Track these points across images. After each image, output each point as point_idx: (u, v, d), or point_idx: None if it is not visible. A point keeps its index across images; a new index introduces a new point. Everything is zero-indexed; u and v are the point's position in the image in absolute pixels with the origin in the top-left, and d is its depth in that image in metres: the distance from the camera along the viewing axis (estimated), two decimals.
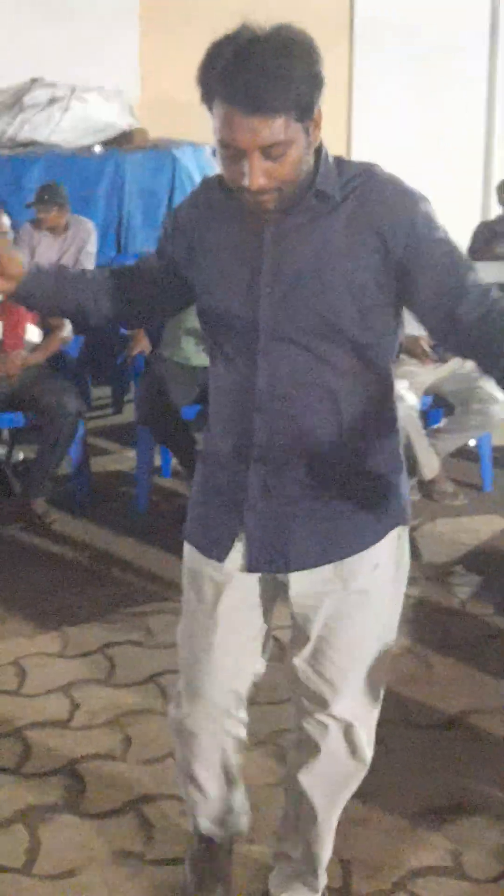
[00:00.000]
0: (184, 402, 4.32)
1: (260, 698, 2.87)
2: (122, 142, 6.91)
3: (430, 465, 4.42)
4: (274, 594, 1.97)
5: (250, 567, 1.89)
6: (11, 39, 6.89)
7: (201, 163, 6.72)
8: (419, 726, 2.87)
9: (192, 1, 7.42)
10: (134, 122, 7.08)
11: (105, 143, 6.88)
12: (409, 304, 1.78)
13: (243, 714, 2.12)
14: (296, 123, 1.63)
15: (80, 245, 5.85)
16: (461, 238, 7.43)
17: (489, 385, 4.42)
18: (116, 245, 6.48)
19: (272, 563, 1.88)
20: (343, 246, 1.73)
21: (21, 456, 4.90)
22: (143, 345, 4.53)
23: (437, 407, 4.72)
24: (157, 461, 4.70)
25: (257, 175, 1.64)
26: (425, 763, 2.71)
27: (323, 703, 1.97)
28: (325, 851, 2.16)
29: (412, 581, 3.70)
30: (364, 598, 1.88)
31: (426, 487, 4.50)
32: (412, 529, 4.23)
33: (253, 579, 1.92)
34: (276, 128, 1.61)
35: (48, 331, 4.58)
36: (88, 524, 4.31)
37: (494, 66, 8.59)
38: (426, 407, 4.62)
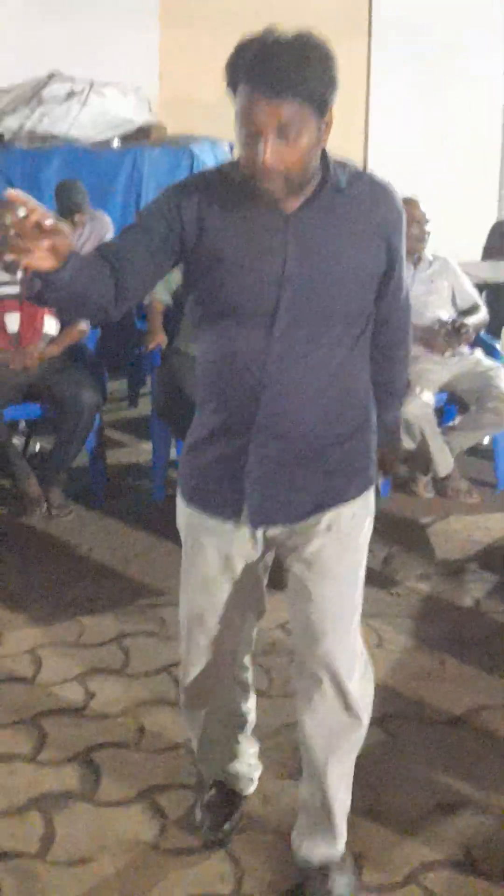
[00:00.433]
0: None
1: (273, 691, 2.90)
2: (139, 137, 6.94)
3: (444, 462, 4.43)
4: (266, 549, 2.15)
5: (253, 523, 2.07)
6: (30, 34, 6.93)
7: (219, 158, 6.73)
8: (430, 722, 2.88)
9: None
10: (152, 118, 7.10)
11: (123, 138, 6.91)
12: None
13: (248, 661, 2.37)
14: (310, 113, 1.80)
15: (97, 240, 5.88)
16: (475, 237, 7.48)
17: None
18: None
19: (271, 519, 2.08)
20: (356, 238, 1.95)
21: (38, 447, 4.94)
22: (159, 338, 4.55)
23: (452, 404, 4.74)
24: (173, 454, 4.72)
25: (271, 151, 1.79)
26: (436, 758, 2.72)
27: (313, 644, 2.11)
28: (339, 805, 2.25)
29: (425, 578, 3.75)
30: (347, 540, 2.10)
31: (440, 485, 4.51)
32: (425, 526, 4.26)
33: (250, 537, 2.10)
34: (293, 110, 1.78)
35: (66, 323, 4.61)
36: (104, 516, 4.34)
37: None
38: (441, 404, 4.63)
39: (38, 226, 1.64)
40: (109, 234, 5.89)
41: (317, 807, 2.25)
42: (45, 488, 4.35)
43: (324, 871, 2.25)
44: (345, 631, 2.13)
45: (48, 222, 1.65)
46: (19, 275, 1.73)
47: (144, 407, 5.50)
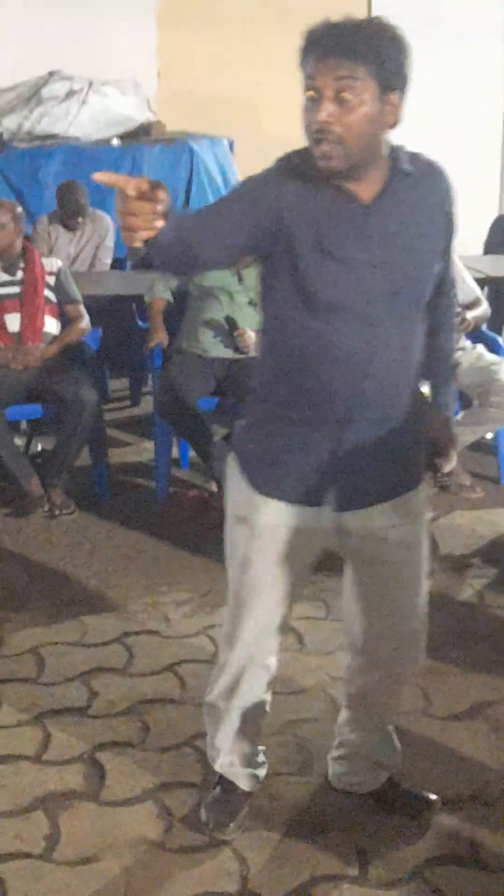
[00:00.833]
0: (201, 393, 4.33)
1: (279, 687, 2.89)
2: (139, 135, 6.93)
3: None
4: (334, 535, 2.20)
5: (342, 507, 2.12)
6: (29, 32, 6.92)
7: (219, 156, 6.73)
8: (436, 717, 2.88)
9: None
10: (151, 116, 7.09)
11: (123, 136, 6.90)
12: None
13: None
14: (370, 83, 1.85)
15: (98, 241, 5.88)
16: (477, 231, 7.44)
17: None
18: None
19: (360, 503, 2.13)
20: (428, 219, 2.03)
21: (39, 447, 4.93)
22: (160, 337, 4.54)
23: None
24: (175, 453, 4.72)
25: (324, 108, 1.85)
26: (443, 753, 2.71)
27: (400, 623, 2.27)
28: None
29: (429, 573, 3.72)
30: (422, 520, 2.23)
31: (442, 479, 4.49)
32: (429, 522, 4.25)
33: (325, 522, 2.14)
34: (350, 72, 1.83)
35: (66, 322, 4.60)
36: (107, 515, 4.33)
37: None
38: None
39: (144, 196, 1.67)
40: (110, 235, 5.88)
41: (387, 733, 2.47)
42: (48, 488, 4.34)
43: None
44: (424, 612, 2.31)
45: (145, 187, 1.66)
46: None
47: (147, 406, 5.49)
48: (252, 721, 2.42)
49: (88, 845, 2.38)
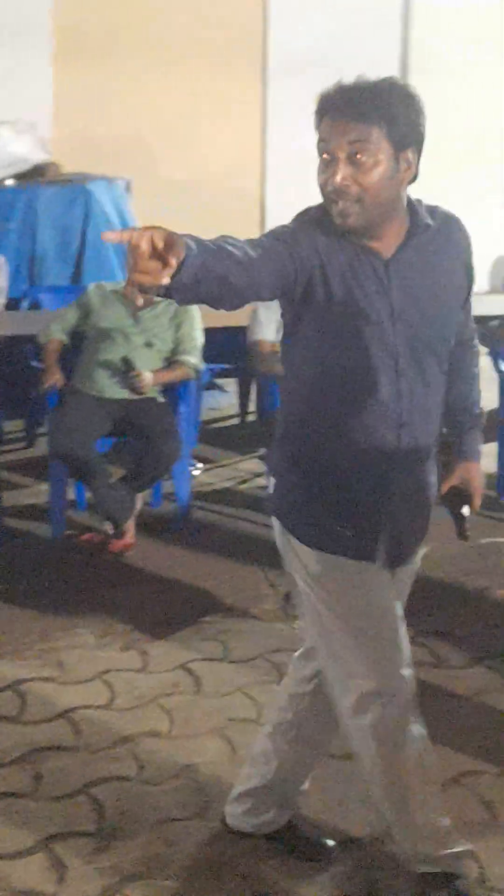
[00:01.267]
0: (97, 434, 4.29)
1: (174, 731, 2.85)
2: (34, 176, 6.88)
3: None
4: None
5: (396, 562, 2.18)
6: None
7: (116, 197, 6.72)
8: (335, 756, 2.85)
9: (106, 38, 7.47)
10: (47, 157, 7.06)
11: (18, 177, 6.84)
12: None
13: None
14: (386, 143, 1.90)
15: None
16: None
17: None
18: (29, 279, 6.43)
19: (409, 551, 2.22)
20: (448, 271, 2.10)
21: None
22: (56, 377, 4.49)
23: None
24: (72, 494, 4.66)
25: (339, 171, 1.89)
26: (339, 793, 2.70)
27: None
28: None
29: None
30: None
31: (467, 528, 4.52)
32: None
33: (384, 572, 2.18)
34: (364, 133, 1.88)
35: None
36: (1, 558, 4.24)
37: (407, 80, 8.79)
38: None
39: (157, 254, 1.60)
40: (3, 274, 5.81)
41: None
42: None
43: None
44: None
45: (160, 243, 1.59)
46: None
47: (42, 447, 5.42)
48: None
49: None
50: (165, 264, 1.60)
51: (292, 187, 8.14)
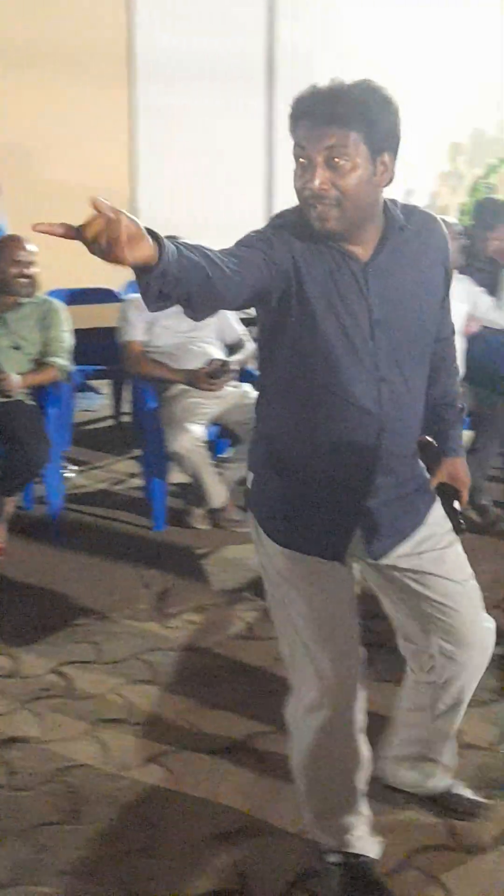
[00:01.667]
0: None
1: (46, 736, 2.81)
2: None
3: (218, 494, 4.47)
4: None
5: (371, 555, 2.20)
6: None
7: None
8: (207, 752, 2.88)
9: None
10: None
11: None
12: None
13: None
14: (364, 147, 1.89)
15: None
16: None
17: None
18: None
19: (385, 545, 2.20)
20: (425, 272, 2.10)
21: None
22: None
23: (224, 437, 4.80)
24: None
25: (317, 176, 1.89)
26: (211, 787, 2.71)
27: (462, 638, 2.30)
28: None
29: (201, 609, 3.76)
30: (440, 544, 2.27)
31: (215, 516, 4.56)
32: (201, 557, 4.29)
33: (350, 569, 2.22)
34: (341, 138, 1.87)
35: None
36: None
37: (272, 88, 8.86)
38: (213, 437, 4.68)
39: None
40: None
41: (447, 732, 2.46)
42: None
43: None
44: (480, 609, 2.34)
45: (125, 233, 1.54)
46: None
47: None
48: (367, 769, 2.36)
49: None
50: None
51: (161, 187, 8.17)
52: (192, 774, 2.77)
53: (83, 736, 2.94)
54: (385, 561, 2.23)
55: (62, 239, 1.60)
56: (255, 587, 3.99)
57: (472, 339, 4.76)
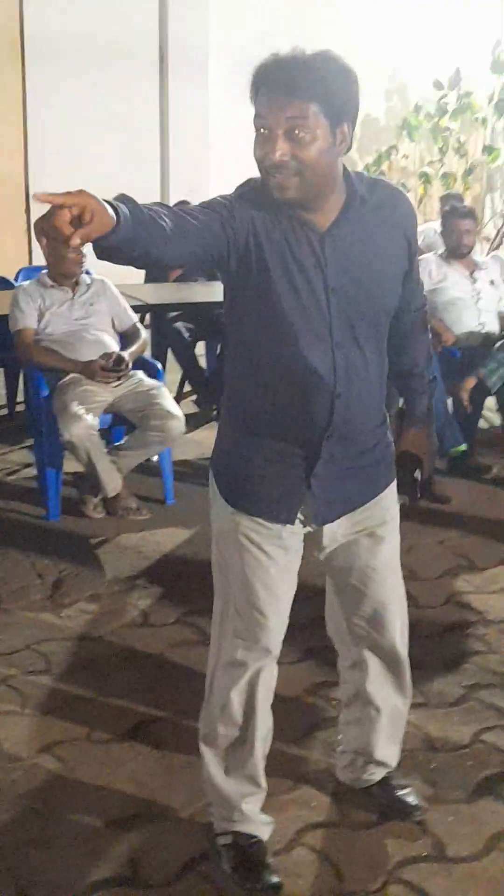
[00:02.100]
0: None
1: None
2: None
3: (112, 482, 4.45)
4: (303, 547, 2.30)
5: (317, 520, 2.23)
6: None
7: None
8: (101, 741, 2.88)
9: None
10: None
11: None
12: None
13: None
14: (324, 119, 1.91)
15: None
16: None
17: (167, 401, 4.54)
18: None
19: (332, 517, 2.24)
20: (386, 244, 2.13)
21: None
22: None
23: (118, 425, 4.78)
24: None
25: (278, 147, 1.91)
26: (107, 774, 2.72)
27: (383, 622, 2.39)
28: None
29: (95, 598, 3.75)
30: (393, 525, 2.35)
31: (110, 504, 4.54)
32: (96, 546, 4.28)
33: (300, 535, 2.25)
34: (302, 110, 1.89)
35: None
36: None
37: (164, 69, 8.85)
38: (106, 426, 4.66)
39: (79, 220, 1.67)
40: None
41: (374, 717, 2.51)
42: None
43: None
44: (404, 609, 2.44)
45: (85, 216, 1.66)
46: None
47: None
48: (267, 741, 2.40)
49: None
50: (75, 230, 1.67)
51: (55, 169, 8.08)
52: (85, 763, 2.77)
53: None
54: (328, 531, 2.27)
55: None
56: (150, 575, 4.00)
57: None
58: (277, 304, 2.04)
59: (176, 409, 4.53)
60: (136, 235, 1.78)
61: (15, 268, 6.68)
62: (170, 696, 3.11)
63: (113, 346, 4.71)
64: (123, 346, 4.76)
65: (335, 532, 2.28)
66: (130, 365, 4.59)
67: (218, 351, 6.43)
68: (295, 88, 1.90)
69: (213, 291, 6.51)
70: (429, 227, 7.48)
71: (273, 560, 2.23)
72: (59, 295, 4.70)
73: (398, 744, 2.59)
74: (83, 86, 8.35)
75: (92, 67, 8.34)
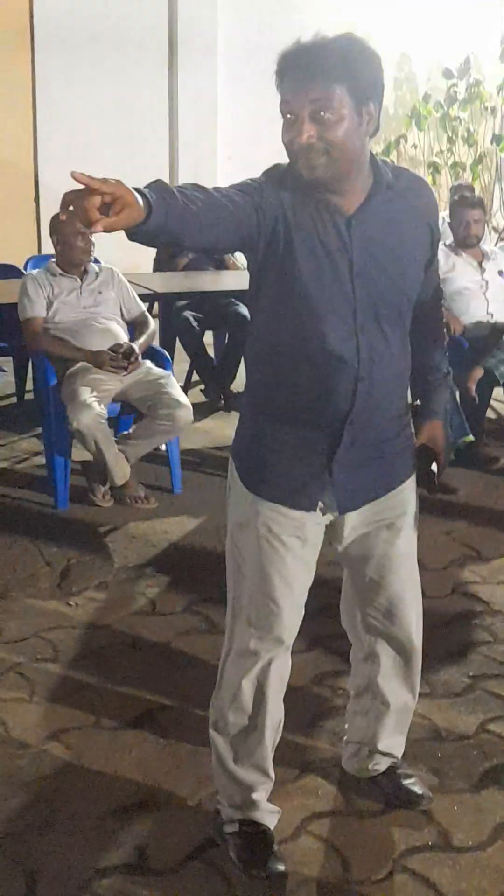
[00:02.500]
0: None
1: None
2: None
3: (120, 471, 4.46)
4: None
5: (339, 509, 2.23)
6: None
7: None
8: (108, 728, 2.89)
9: None
10: None
11: None
12: None
13: None
14: (348, 100, 1.93)
15: None
16: (149, 250, 7.52)
17: (175, 390, 4.55)
18: None
19: (355, 505, 2.25)
20: (410, 230, 2.14)
21: None
22: None
23: (126, 414, 4.79)
24: None
25: (305, 130, 1.93)
26: (112, 762, 2.73)
27: (398, 612, 2.40)
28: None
29: (104, 586, 3.76)
30: (412, 517, 2.36)
31: (118, 493, 4.55)
32: (104, 535, 4.29)
33: (321, 527, 2.26)
34: (325, 92, 1.91)
35: None
36: None
37: (174, 54, 8.81)
38: (114, 414, 4.67)
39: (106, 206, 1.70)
40: None
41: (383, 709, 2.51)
42: None
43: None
44: (419, 602, 2.44)
45: (116, 207, 1.70)
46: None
47: None
48: (278, 732, 2.41)
49: None
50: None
51: (63, 156, 8.07)
52: (92, 750, 2.79)
53: None
54: (349, 520, 2.27)
55: None
56: (158, 563, 4.01)
57: None
58: (303, 286, 2.04)
59: (184, 399, 4.53)
60: (166, 225, 1.81)
61: (24, 256, 6.68)
62: (177, 685, 3.12)
63: (122, 334, 4.71)
64: (132, 335, 4.77)
65: (355, 522, 2.28)
66: (140, 356, 4.59)
67: (226, 340, 6.42)
68: (317, 71, 1.92)
69: (221, 281, 6.51)
70: None
71: (290, 550, 2.23)
72: (68, 283, 4.71)
73: (403, 735, 2.60)
74: (92, 73, 8.34)
75: (100, 55, 8.32)
